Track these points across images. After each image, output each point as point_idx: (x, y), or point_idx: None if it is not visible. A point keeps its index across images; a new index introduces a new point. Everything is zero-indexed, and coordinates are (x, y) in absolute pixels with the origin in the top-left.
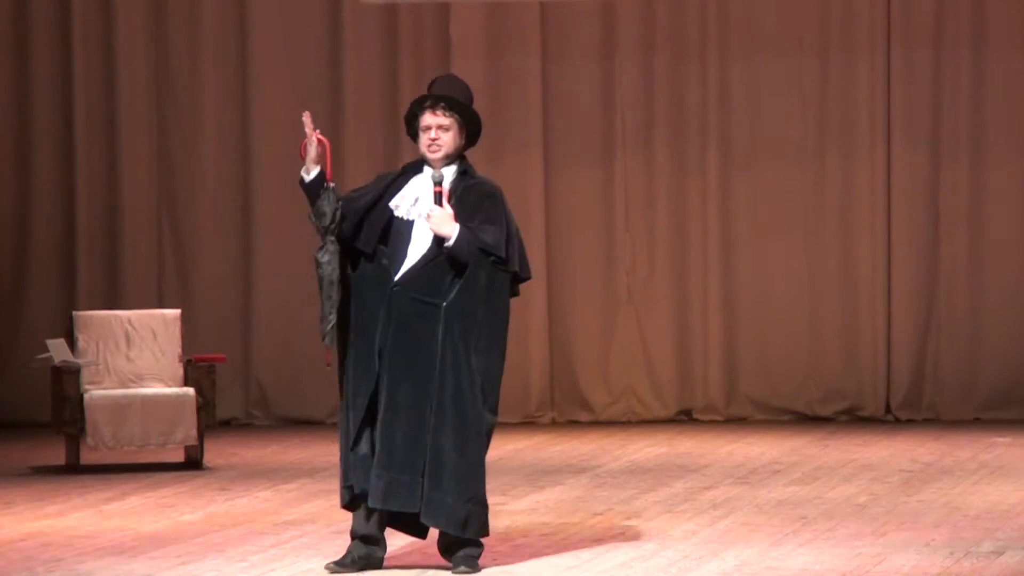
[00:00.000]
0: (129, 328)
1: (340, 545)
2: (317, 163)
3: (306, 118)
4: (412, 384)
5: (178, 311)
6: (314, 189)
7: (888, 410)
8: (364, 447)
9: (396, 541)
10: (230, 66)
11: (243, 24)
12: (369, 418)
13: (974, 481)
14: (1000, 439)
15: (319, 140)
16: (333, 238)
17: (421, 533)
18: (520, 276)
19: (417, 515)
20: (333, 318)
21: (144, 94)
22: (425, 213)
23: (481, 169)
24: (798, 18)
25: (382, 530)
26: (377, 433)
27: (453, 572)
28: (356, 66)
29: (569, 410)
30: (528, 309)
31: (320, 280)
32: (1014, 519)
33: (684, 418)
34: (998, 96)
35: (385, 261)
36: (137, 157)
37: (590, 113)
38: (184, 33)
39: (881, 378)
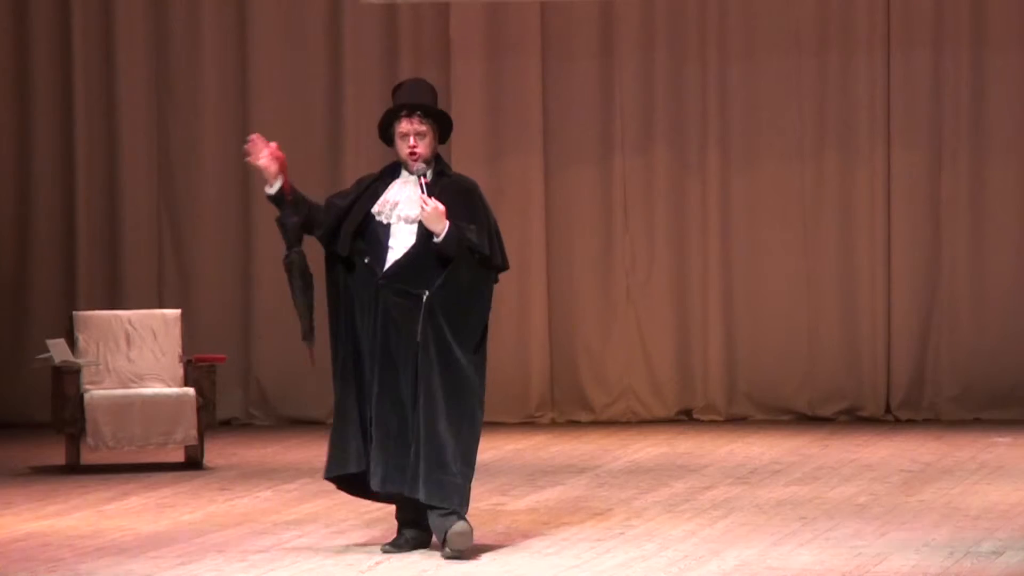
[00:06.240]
0: (129, 328)
1: (339, 545)
2: (277, 176)
3: (255, 137)
4: (401, 374)
5: (178, 311)
6: (278, 202)
7: (888, 410)
8: (357, 432)
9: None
10: (230, 66)
11: (243, 24)
12: (364, 401)
13: (974, 481)
14: (1000, 439)
15: (276, 155)
16: (299, 247)
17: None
18: (500, 268)
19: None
20: (310, 315)
21: (144, 94)
22: (418, 206)
23: (481, 169)
24: (797, 18)
25: (423, 512)
26: (373, 420)
27: (450, 548)
28: (356, 66)
29: (569, 410)
30: (528, 309)
31: (291, 282)
32: (1014, 519)
33: (684, 418)
34: (998, 96)
35: (368, 260)
36: (137, 157)
37: (590, 113)
38: (184, 33)
39: (881, 378)
